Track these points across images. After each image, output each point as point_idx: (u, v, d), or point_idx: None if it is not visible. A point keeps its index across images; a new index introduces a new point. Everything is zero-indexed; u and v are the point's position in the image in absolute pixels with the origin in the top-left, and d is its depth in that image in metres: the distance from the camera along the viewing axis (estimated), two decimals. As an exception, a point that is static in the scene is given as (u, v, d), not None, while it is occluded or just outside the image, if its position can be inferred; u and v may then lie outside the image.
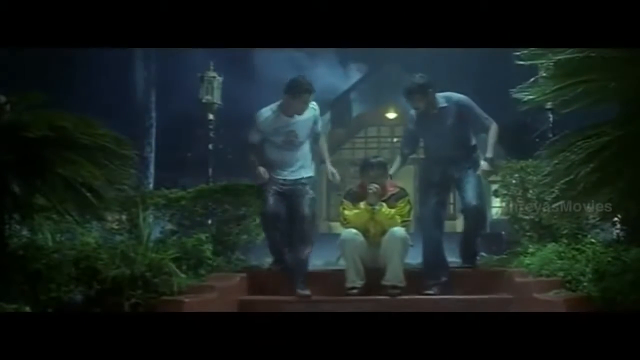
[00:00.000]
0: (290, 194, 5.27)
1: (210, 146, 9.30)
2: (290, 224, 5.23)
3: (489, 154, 4.87)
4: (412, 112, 5.29)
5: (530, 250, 5.26)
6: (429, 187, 5.10)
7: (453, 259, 5.32)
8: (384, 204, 5.06)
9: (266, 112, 5.36)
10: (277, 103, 5.36)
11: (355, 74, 15.67)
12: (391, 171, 5.27)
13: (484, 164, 4.90)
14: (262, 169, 5.27)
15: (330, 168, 5.53)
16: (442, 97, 5.14)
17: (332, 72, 15.54)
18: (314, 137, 5.51)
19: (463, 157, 5.06)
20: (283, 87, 5.30)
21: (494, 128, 4.94)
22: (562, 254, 4.81)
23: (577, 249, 4.80)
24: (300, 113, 5.32)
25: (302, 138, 5.35)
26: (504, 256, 5.57)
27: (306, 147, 5.43)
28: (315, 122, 5.46)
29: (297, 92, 5.23)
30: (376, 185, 5.05)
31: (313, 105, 5.40)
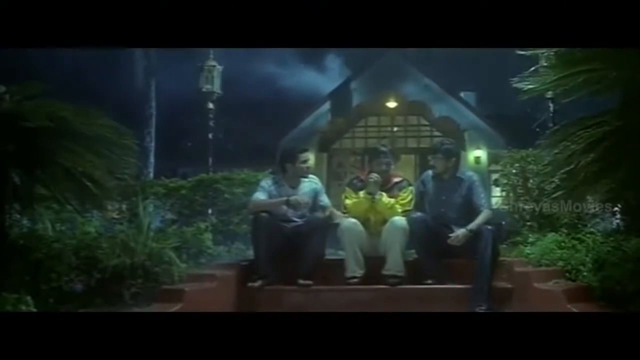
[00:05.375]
0: (301, 229, 5.07)
1: (210, 135, 9.33)
2: (293, 256, 4.99)
3: (471, 227, 4.84)
4: (430, 171, 5.30)
5: (530, 240, 5.27)
6: (427, 233, 5.04)
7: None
8: (384, 193, 5.06)
9: (267, 182, 5.26)
10: (273, 178, 5.30)
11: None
12: None
13: (462, 230, 4.86)
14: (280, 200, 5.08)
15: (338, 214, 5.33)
16: (460, 170, 5.29)
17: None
18: (322, 209, 5.27)
19: (463, 221, 5.01)
20: (279, 162, 5.30)
21: (485, 213, 4.96)
22: (562, 244, 4.82)
23: (577, 239, 4.81)
24: (303, 175, 5.25)
25: (304, 207, 5.17)
26: (504, 246, 5.58)
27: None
28: (316, 195, 5.27)
29: (295, 155, 5.22)
30: (377, 175, 5.05)
31: (314, 179, 5.36)
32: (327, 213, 5.24)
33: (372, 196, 5.04)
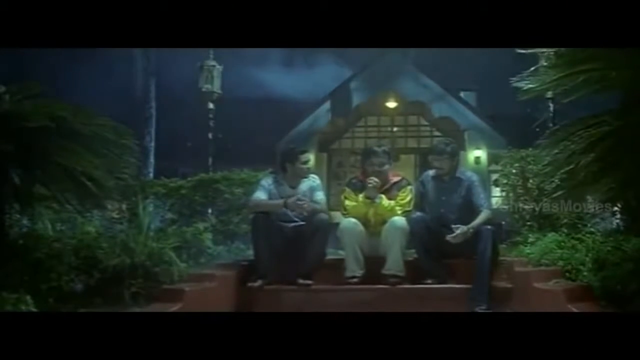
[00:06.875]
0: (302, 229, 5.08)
1: (210, 135, 9.33)
2: (294, 255, 5.01)
3: (470, 226, 4.82)
4: (430, 172, 5.30)
5: (531, 239, 5.28)
6: (427, 233, 5.04)
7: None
8: (383, 196, 5.06)
9: (267, 180, 5.23)
10: (274, 177, 5.27)
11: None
12: None
13: (463, 228, 4.83)
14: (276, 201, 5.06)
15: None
16: (460, 170, 5.31)
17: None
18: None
19: (463, 222, 4.99)
20: (279, 162, 5.31)
21: (485, 213, 4.96)
22: (562, 244, 4.82)
23: (577, 239, 4.81)
24: (304, 175, 5.23)
25: (302, 209, 5.10)
26: (504, 246, 5.58)
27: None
28: (313, 192, 5.21)
29: (296, 156, 5.20)
30: (375, 179, 5.03)
31: (314, 177, 5.32)
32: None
33: (372, 200, 5.04)
